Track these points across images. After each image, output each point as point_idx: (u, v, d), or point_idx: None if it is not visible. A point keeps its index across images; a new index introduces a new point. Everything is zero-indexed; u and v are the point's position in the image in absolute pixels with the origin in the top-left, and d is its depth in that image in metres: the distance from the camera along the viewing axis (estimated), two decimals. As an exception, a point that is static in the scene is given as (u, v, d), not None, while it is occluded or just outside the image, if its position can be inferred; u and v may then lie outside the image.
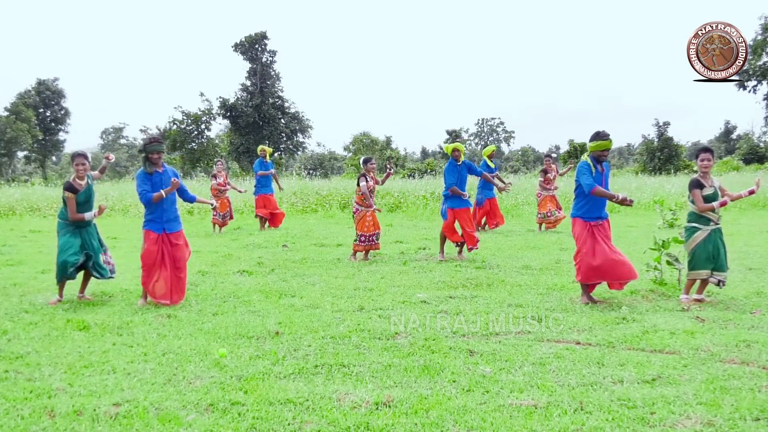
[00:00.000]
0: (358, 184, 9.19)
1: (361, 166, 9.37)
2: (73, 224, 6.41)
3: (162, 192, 6.20)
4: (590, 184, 6.05)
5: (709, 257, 6.07)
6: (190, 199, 6.63)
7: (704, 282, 6.18)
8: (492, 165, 13.20)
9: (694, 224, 6.17)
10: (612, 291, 6.44)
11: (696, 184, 6.13)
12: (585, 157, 6.21)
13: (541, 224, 13.37)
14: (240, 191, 14.48)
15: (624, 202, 5.99)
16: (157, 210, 6.29)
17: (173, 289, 6.25)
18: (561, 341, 4.81)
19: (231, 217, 14.05)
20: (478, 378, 3.96)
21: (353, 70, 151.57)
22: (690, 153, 48.65)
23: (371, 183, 9.17)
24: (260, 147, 14.32)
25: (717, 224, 6.15)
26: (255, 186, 14.13)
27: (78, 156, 6.42)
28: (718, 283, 6.14)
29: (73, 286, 6.75)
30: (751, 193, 6.14)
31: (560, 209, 13.34)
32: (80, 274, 6.60)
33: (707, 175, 6.19)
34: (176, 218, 6.46)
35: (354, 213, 9.29)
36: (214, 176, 13.74)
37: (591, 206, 6.21)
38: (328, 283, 7.28)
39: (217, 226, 13.82)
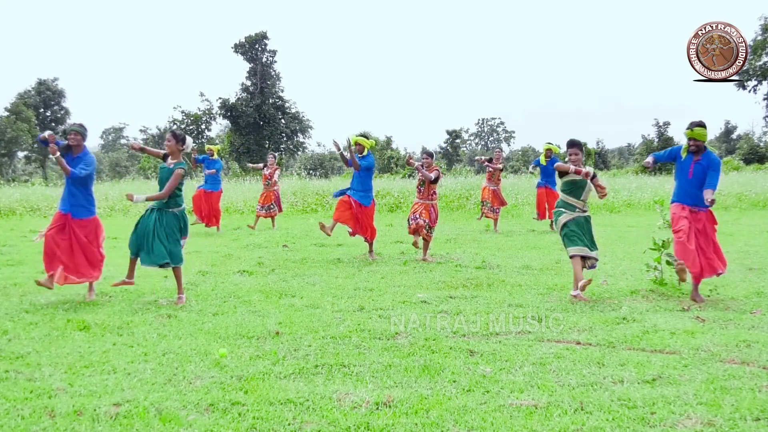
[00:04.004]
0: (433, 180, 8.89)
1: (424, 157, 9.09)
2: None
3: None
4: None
5: (576, 237, 6.34)
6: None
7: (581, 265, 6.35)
8: (544, 163, 12.92)
9: (560, 209, 6.53)
10: (611, 291, 6.43)
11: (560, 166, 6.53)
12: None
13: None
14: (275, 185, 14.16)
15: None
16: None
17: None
18: (561, 341, 4.81)
19: (279, 210, 14.30)
20: (478, 378, 3.96)
21: (353, 70, 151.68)
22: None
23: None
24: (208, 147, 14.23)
25: (584, 212, 6.46)
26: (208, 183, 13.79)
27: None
28: (591, 266, 6.43)
29: (75, 289, 6.75)
30: (586, 175, 6.38)
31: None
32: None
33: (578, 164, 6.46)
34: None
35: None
36: (265, 166, 14.06)
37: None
38: (328, 283, 7.28)
39: (270, 219, 14.11)
